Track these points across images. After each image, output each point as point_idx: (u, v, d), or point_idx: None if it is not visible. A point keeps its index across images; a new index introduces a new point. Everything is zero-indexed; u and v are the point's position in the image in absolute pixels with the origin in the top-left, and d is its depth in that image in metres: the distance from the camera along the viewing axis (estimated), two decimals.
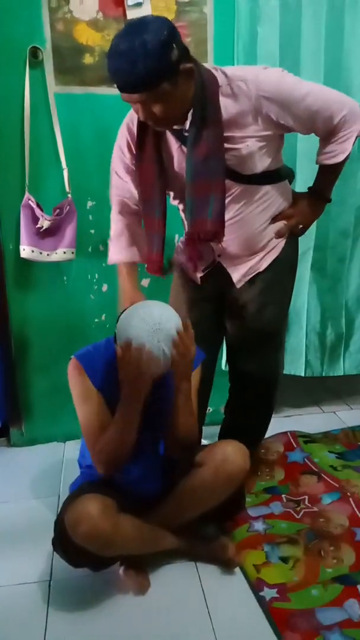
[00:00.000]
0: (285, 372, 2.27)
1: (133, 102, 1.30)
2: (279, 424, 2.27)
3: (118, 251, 1.66)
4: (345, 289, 2.30)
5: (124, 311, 1.38)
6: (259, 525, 1.67)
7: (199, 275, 1.62)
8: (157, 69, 1.22)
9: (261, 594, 1.42)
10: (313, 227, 2.05)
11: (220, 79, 1.36)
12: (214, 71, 1.37)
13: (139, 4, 1.88)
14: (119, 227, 1.66)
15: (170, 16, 1.92)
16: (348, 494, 1.79)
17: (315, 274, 2.25)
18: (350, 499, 1.76)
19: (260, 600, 1.41)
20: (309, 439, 2.16)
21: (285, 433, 2.19)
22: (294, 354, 2.33)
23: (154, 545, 1.48)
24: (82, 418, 1.43)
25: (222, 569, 1.52)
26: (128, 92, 1.28)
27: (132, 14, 1.89)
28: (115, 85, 1.29)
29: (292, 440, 2.14)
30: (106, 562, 1.45)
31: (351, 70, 2.07)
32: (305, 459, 2.01)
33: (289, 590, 1.43)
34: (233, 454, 1.44)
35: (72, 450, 2.08)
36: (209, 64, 1.41)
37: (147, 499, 1.52)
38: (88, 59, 1.91)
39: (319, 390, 2.64)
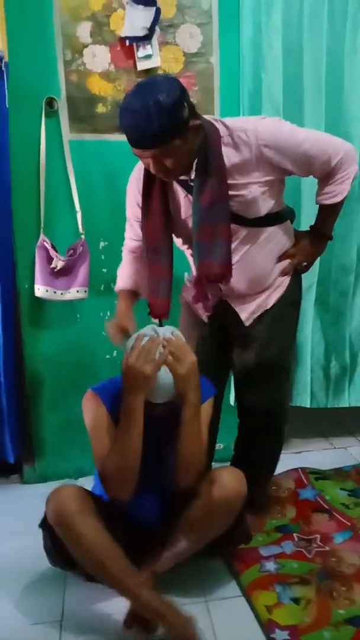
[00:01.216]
0: (291, 404, 2.32)
1: (145, 157, 1.37)
2: (290, 460, 2.27)
3: (123, 279, 1.76)
4: (349, 322, 2.34)
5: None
6: (270, 565, 1.65)
7: (207, 314, 1.66)
8: (171, 127, 1.29)
9: (272, 635, 1.40)
10: (316, 263, 2.10)
11: (222, 130, 1.43)
12: (215, 123, 1.44)
13: (148, 56, 1.98)
14: (129, 258, 1.76)
15: (179, 67, 2.02)
16: None
17: (318, 308, 2.30)
18: None
19: None
20: (320, 475, 2.15)
21: (296, 469, 2.18)
22: (299, 386, 2.36)
23: (119, 574, 1.39)
24: (97, 449, 1.44)
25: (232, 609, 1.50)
26: (141, 148, 1.34)
27: (142, 65, 1.99)
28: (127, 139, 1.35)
29: (303, 477, 2.13)
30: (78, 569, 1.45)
31: (350, 115, 2.14)
32: (317, 497, 2.00)
33: (301, 633, 1.41)
34: (228, 478, 1.45)
35: (84, 486, 2.08)
36: (209, 116, 1.48)
37: (146, 530, 1.52)
38: (101, 108, 2.00)
39: (330, 426, 2.63)
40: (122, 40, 1.97)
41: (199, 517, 1.45)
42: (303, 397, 2.36)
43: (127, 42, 1.96)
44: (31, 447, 2.23)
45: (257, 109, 2.09)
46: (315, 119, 2.12)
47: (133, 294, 1.75)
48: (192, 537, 1.47)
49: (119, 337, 1.64)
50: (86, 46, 1.96)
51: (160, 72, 2.01)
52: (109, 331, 1.68)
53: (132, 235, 1.72)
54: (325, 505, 1.94)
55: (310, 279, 2.20)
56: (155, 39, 1.97)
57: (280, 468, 2.16)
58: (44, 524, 1.44)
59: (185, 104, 1.31)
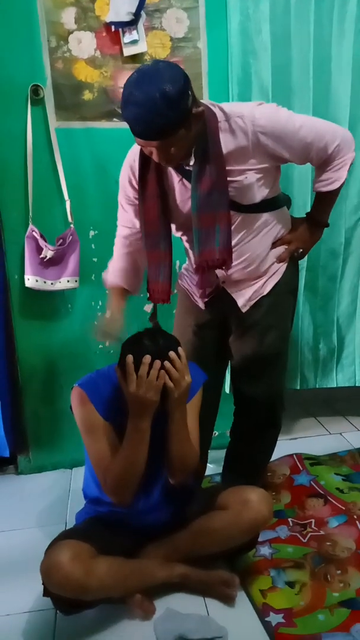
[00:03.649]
0: None
1: (149, 146, 1.34)
2: (286, 446, 2.27)
3: (113, 275, 1.71)
4: (337, 306, 2.37)
5: (129, 338, 1.40)
6: (265, 550, 1.66)
7: (204, 300, 1.65)
8: (176, 119, 1.26)
9: (267, 619, 1.41)
10: None
11: (219, 115, 1.41)
12: (212, 107, 1.41)
13: (135, 42, 1.95)
14: (120, 253, 1.71)
15: (165, 52, 2.00)
16: (355, 516, 1.78)
17: (308, 292, 2.33)
18: (357, 522, 1.76)
19: (267, 625, 1.39)
20: (315, 461, 2.15)
21: (291, 455, 2.19)
22: (289, 369, 2.34)
23: (142, 582, 1.47)
24: (91, 449, 1.44)
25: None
26: (148, 140, 1.31)
27: (128, 51, 1.97)
28: (118, 120, 1.36)
29: (298, 462, 2.13)
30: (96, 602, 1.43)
31: (339, 102, 2.14)
32: (312, 482, 2.00)
33: (295, 615, 1.41)
34: (258, 502, 1.46)
35: (78, 476, 2.07)
36: (206, 100, 1.45)
37: (154, 529, 1.53)
38: (87, 95, 1.98)
39: (326, 411, 2.64)
40: (108, 25, 1.94)
41: (220, 530, 1.47)
42: (293, 379, 2.41)
43: (113, 28, 1.94)
44: (25, 438, 2.22)
45: (247, 95, 2.07)
46: (304, 106, 2.10)
47: (124, 291, 1.73)
48: (203, 543, 1.49)
49: (105, 339, 1.63)
50: (71, 32, 1.93)
51: (147, 57, 1.99)
52: (95, 334, 1.70)
53: (125, 222, 1.68)
54: (320, 490, 1.95)
55: (300, 264, 2.18)
56: (141, 24, 1.95)
57: (275, 454, 2.16)
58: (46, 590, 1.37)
59: (189, 92, 1.27)
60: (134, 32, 1.95)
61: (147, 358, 1.31)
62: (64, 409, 2.10)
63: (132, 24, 1.93)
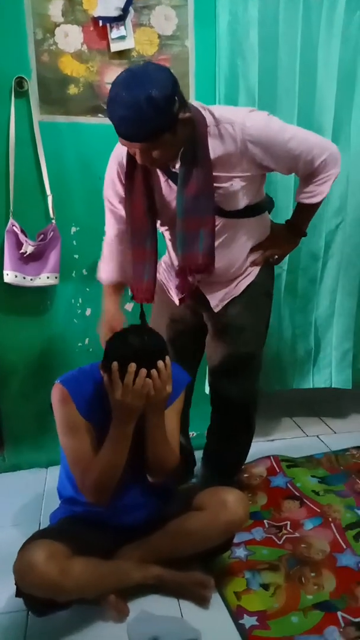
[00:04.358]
0: (259, 387, 2.34)
1: (133, 147, 1.33)
2: (263, 447, 2.29)
3: (110, 271, 1.69)
4: (315, 308, 2.41)
5: (113, 335, 1.38)
6: (240, 552, 1.66)
7: (179, 297, 1.65)
8: (163, 123, 1.27)
9: (241, 621, 1.41)
10: None
11: (208, 119, 1.40)
12: (202, 111, 1.40)
13: (122, 38, 1.93)
14: (112, 249, 1.69)
15: (153, 49, 1.98)
16: (330, 519, 1.80)
17: (287, 295, 2.35)
18: (332, 525, 1.77)
19: (240, 628, 1.39)
20: (292, 463, 2.16)
21: (268, 457, 2.20)
22: (267, 369, 2.40)
23: (117, 583, 1.45)
24: (69, 450, 1.42)
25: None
26: (131, 141, 1.31)
27: (115, 47, 1.94)
28: (103, 116, 1.35)
29: (274, 464, 2.14)
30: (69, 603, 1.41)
31: (324, 106, 2.16)
32: (288, 484, 2.01)
33: (269, 618, 1.41)
34: (234, 503, 1.46)
35: (54, 476, 2.05)
36: (196, 102, 1.44)
37: (130, 529, 1.52)
38: (73, 90, 1.95)
39: (303, 412, 2.65)
40: (95, 20, 1.92)
41: (197, 531, 1.47)
42: (271, 380, 2.44)
43: (101, 23, 1.92)
44: (1, 436, 2.19)
45: (233, 96, 2.07)
46: (289, 110, 2.12)
47: (120, 287, 1.71)
48: (179, 544, 1.49)
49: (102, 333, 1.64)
50: (58, 25, 1.90)
51: (134, 54, 1.97)
52: (100, 333, 1.67)
53: (117, 220, 1.65)
54: (296, 493, 1.96)
55: (280, 266, 2.24)
56: (129, 20, 1.93)
57: (253, 455, 2.17)
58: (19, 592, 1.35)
59: (177, 97, 1.27)
60: (122, 27, 1.93)
61: (133, 367, 1.29)
62: (41, 407, 2.08)
63: (120, 19, 1.91)
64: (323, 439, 2.43)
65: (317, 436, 2.45)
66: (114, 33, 1.93)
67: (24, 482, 2.14)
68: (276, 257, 1.68)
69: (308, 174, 1.50)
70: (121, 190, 1.57)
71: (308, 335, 2.43)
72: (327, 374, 2.49)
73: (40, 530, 1.52)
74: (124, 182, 1.53)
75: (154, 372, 1.31)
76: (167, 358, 1.35)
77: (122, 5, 1.89)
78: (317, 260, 2.33)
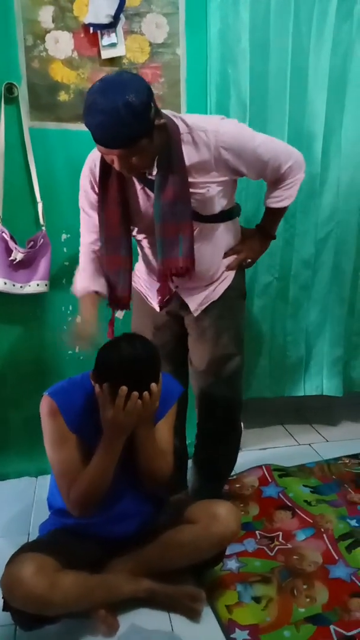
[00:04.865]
0: (251, 395, 2.40)
1: (110, 154, 1.34)
2: (255, 456, 2.27)
3: (83, 282, 1.65)
4: (307, 315, 2.41)
5: (105, 345, 1.36)
6: (232, 564, 1.64)
7: (159, 304, 1.67)
8: (141, 129, 1.28)
9: (232, 636, 1.39)
10: (277, 258, 2.25)
11: (182, 127, 1.43)
12: (174, 119, 1.44)
13: (113, 45, 1.93)
14: (87, 259, 1.67)
15: (144, 57, 1.98)
16: (322, 529, 1.78)
17: (279, 302, 2.35)
18: (324, 535, 1.75)
19: None
20: (284, 472, 2.14)
21: (260, 467, 2.18)
22: (259, 377, 2.42)
23: (107, 597, 1.43)
24: (57, 464, 1.40)
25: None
26: (109, 148, 1.32)
27: (106, 54, 1.94)
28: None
29: (266, 474, 2.13)
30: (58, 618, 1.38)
31: (314, 112, 2.16)
32: (280, 494, 1.99)
33: (261, 632, 1.39)
34: (226, 516, 1.45)
35: (44, 485, 2.03)
36: (168, 111, 1.47)
37: (121, 541, 1.50)
38: (63, 96, 1.94)
39: (295, 421, 2.64)
40: (86, 27, 1.91)
41: (188, 544, 1.45)
42: (262, 387, 2.43)
43: (91, 30, 1.91)
44: None
45: (225, 104, 2.07)
46: (280, 116, 2.12)
47: (96, 297, 1.68)
48: (170, 557, 1.47)
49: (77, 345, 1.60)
50: (48, 32, 1.90)
51: (125, 61, 1.96)
52: (67, 340, 1.65)
53: (90, 227, 1.64)
54: (288, 503, 1.94)
55: (272, 273, 2.30)
56: (120, 28, 1.93)
57: (245, 464, 2.16)
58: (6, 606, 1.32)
59: (152, 104, 1.30)
60: (113, 35, 1.92)
61: (124, 390, 1.28)
62: (31, 416, 2.02)
63: (110, 26, 1.91)
64: (315, 447, 2.41)
65: (310, 444, 2.44)
66: (105, 40, 1.92)
67: (13, 492, 2.10)
68: (249, 260, 1.74)
69: (275, 179, 1.57)
70: (94, 200, 1.58)
71: (299, 342, 2.43)
72: (319, 381, 2.49)
73: (29, 542, 1.50)
74: (97, 191, 1.55)
75: (145, 394, 1.30)
76: (160, 376, 1.35)
77: (112, 13, 1.88)
78: (308, 267, 2.33)
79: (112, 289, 1.61)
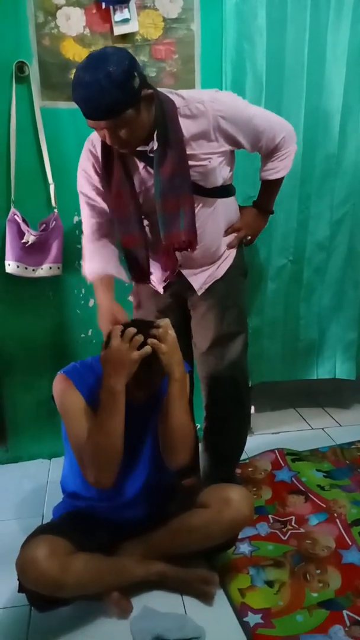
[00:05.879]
0: (263, 378, 2.38)
1: (100, 128, 1.37)
2: (268, 440, 2.27)
3: (97, 266, 1.64)
4: (320, 298, 2.38)
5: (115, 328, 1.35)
6: (245, 548, 1.64)
7: (162, 285, 1.68)
8: (122, 98, 1.30)
9: (245, 619, 1.39)
10: (292, 240, 2.23)
11: (178, 101, 1.46)
12: (170, 95, 1.47)
13: (126, 21, 1.88)
14: (95, 246, 1.65)
15: (157, 33, 1.92)
16: (335, 514, 1.78)
17: (292, 285, 2.33)
18: (337, 520, 1.75)
19: (244, 626, 1.38)
20: (297, 457, 2.14)
21: (273, 451, 2.18)
22: (271, 360, 2.39)
23: (119, 580, 1.44)
24: (75, 436, 1.37)
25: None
26: (95, 120, 1.35)
27: (119, 30, 1.89)
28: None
29: (279, 458, 2.12)
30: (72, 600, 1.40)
31: (332, 90, 2.10)
32: (293, 478, 1.99)
33: (274, 616, 1.40)
34: (239, 501, 1.44)
35: (57, 468, 2.05)
36: (164, 89, 1.49)
37: (133, 525, 1.50)
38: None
39: (308, 406, 2.63)
40: (98, 2, 1.86)
41: (200, 528, 1.45)
42: (275, 371, 2.41)
43: (103, 5, 1.86)
44: (4, 427, 2.17)
45: (240, 81, 2.02)
46: (297, 94, 2.07)
47: (109, 280, 1.66)
48: (182, 541, 1.47)
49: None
50: (59, 8, 1.85)
51: (138, 37, 1.91)
52: (102, 327, 1.61)
53: (96, 214, 1.62)
54: (301, 487, 1.94)
55: (286, 256, 2.27)
56: (132, 3, 1.87)
57: (257, 448, 2.16)
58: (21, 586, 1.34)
59: (136, 73, 1.31)
60: (125, 10, 1.87)
61: (133, 329, 1.30)
62: (43, 398, 2.06)
63: (123, 1, 1.86)
64: (328, 431, 2.40)
65: (322, 429, 2.43)
66: (118, 16, 1.87)
67: (27, 474, 2.12)
68: (249, 237, 1.76)
69: (270, 150, 1.62)
70: (97, 182, 1.58)
71: (312, 325, 2.40)
72: (331, 364, 2.46)
73: (43, 525, 1.51)
74: (100, 173, 1.55)
75: (156, 331, 1.33)
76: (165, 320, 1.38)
77: None
78: (322, 250, 2.29)
79: (132, 265, 1.63)
